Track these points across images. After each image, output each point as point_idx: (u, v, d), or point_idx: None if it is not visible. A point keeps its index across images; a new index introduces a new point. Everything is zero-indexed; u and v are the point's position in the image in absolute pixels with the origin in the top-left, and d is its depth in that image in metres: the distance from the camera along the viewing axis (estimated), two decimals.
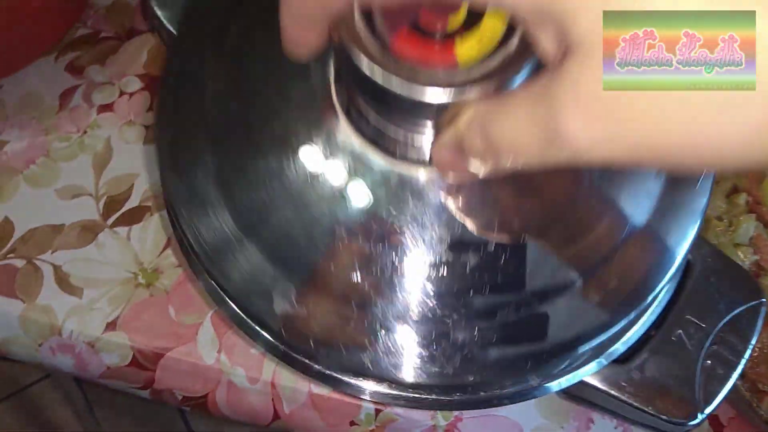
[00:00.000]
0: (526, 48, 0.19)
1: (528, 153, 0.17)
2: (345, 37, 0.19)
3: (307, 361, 0.27)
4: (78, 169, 0.43)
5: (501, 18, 0.20)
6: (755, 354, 0.38)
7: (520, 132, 0.17)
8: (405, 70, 0.19)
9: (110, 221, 0.42)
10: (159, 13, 0.35)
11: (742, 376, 0.37)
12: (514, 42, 0.20)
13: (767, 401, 0.37)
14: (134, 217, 0.42)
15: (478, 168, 0.19)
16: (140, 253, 0.41)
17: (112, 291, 0.40)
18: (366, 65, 0.20)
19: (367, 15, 0.20)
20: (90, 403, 0.93)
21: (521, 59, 0.19)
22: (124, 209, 0.42)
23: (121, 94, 0.46)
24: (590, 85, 0.15)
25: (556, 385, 0.27)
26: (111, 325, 0.39)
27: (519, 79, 0.20)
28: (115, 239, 0.41)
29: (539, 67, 0.18)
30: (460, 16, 0.20)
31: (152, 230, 0.41)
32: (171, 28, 0.35)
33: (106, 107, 0.46)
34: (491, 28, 0.20)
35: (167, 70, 0.31)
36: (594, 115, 0.15)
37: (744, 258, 0.40)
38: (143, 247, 0.41)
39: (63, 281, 0.40)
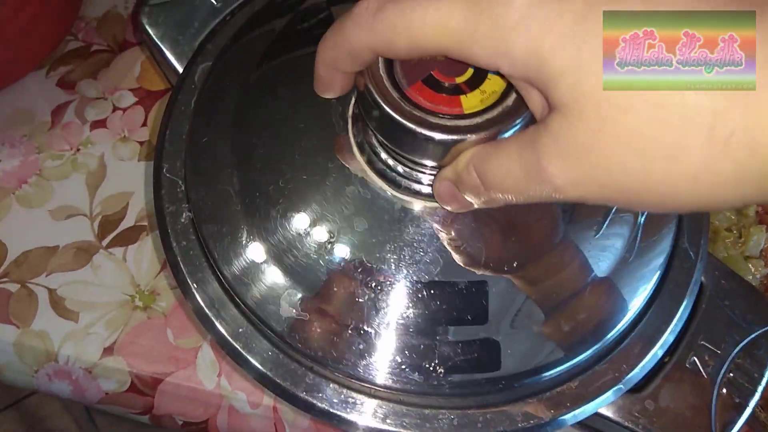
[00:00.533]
0: (522, 103, 0.22)
1: (515, 189, 0.20)
2: (369, 84, 0.23)
3: (299, 394, 0.26)
4: (71, 188, 0.42)
5: (502, 80, 0.23)
6: None
7: (509, 171, 0.20)
8: (416, 115, 0.22)
9: (105, 242, 0.41)
10: (150, 30, 0.34)
11: None
12: (512, 97, 0.22)
13: None
14: (130, 237, 0.41)
15: (472, 201, 0.22)
16: (137, 274, 0.40)
17: (108, 314, 0.39)
18: (384, 108, 0.22)
19: (389, 69, 0.23)
20: (90, 412, 0.92)
21: (518, 112, 0.22)
22: (119, 229, 0.41)
23: (115, 109, 0.45)
24: (567, 138, 0.18)
25: (571, 417, 0.27)
26: (108, 350, 0.38)
27: (514, 128, 0.22)
28: (111, 261, 0.40)
29: (532, 121, 0.21)
30: (467, 76, 0.23)
31: (148, 250, 0.40)
32: (161, 45, 0.34)
33: (99, 123, 0.45)
34: (494, 85, 0.23)
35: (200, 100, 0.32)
36: (569, 161, 0.18)
37: (755, 271, 0.39)
38: (139, 268, 0.40)
39: (58, 305, 0.39)
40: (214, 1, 0.34)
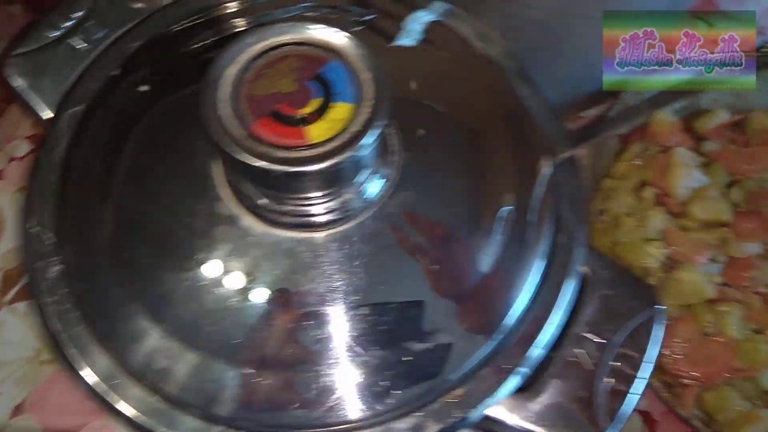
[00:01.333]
0: (369, 125, 0.23)
1: None
2: (210, 123, 0.23)
3: None
4: None
5: (348, 106, 0.24)
6: (677, 349, 0.38)
7: None
8: (258, 150, 0.23)
9: (8, 297, 0.40)
10: (17, 82, 0.33)
11: (661, 376, 0.37)
12: (359, 122, 0.23)
13: (689, 395, 0.37)
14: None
15: None
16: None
17: (16, 372, 0.38)
18: (224, 146, 0.23)
19: (235, 106, 0.23)
20: None
21: (362, 135, 0.23)
22: (21, 283, 0.40)
23: (11, 159, 0.44)
24: None
25: (458, 424, 0.27)
26: (18, 409, 0.37)
27: (362, 151, 0.23)
28: (15, 316, 0.39)
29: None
30: (312, 107, 0.24)
31: None
32: (30, 95, 0.33)
33: None
34: (339, 113, 0.24)
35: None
36: None
37: (656, 252, 0.40)
38: None
39: None
40: (79, 45, 0.33)
